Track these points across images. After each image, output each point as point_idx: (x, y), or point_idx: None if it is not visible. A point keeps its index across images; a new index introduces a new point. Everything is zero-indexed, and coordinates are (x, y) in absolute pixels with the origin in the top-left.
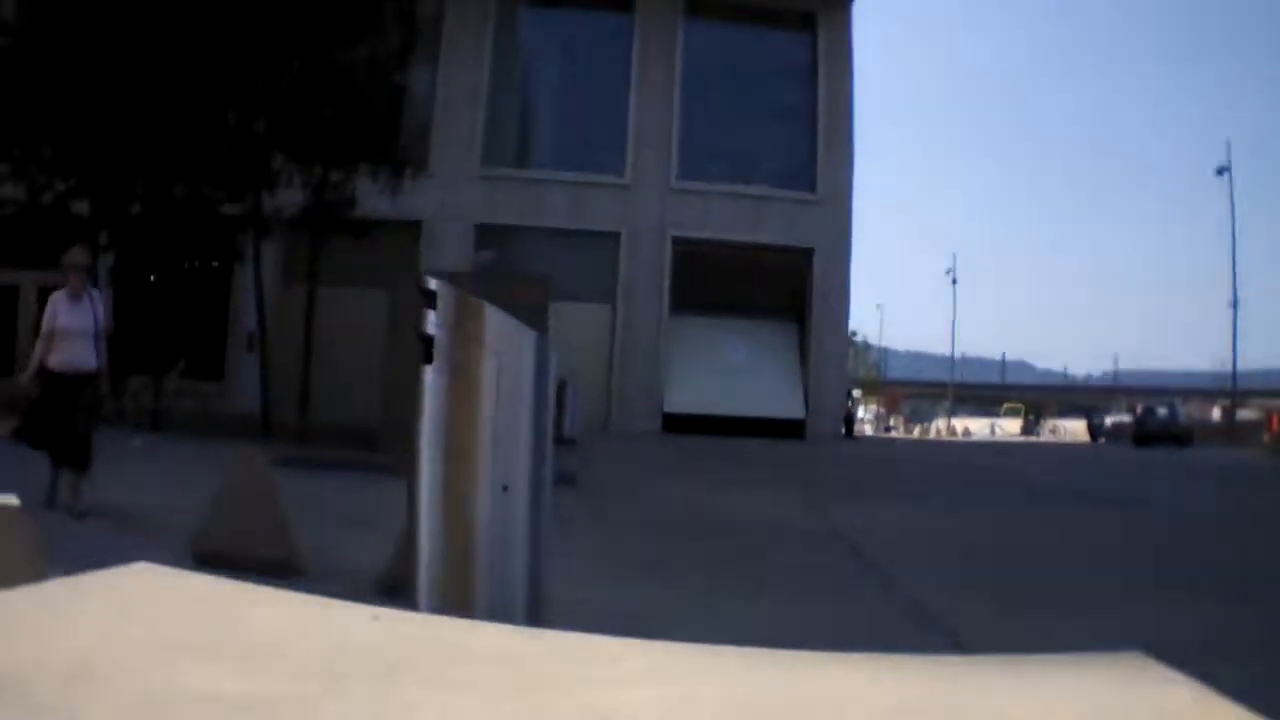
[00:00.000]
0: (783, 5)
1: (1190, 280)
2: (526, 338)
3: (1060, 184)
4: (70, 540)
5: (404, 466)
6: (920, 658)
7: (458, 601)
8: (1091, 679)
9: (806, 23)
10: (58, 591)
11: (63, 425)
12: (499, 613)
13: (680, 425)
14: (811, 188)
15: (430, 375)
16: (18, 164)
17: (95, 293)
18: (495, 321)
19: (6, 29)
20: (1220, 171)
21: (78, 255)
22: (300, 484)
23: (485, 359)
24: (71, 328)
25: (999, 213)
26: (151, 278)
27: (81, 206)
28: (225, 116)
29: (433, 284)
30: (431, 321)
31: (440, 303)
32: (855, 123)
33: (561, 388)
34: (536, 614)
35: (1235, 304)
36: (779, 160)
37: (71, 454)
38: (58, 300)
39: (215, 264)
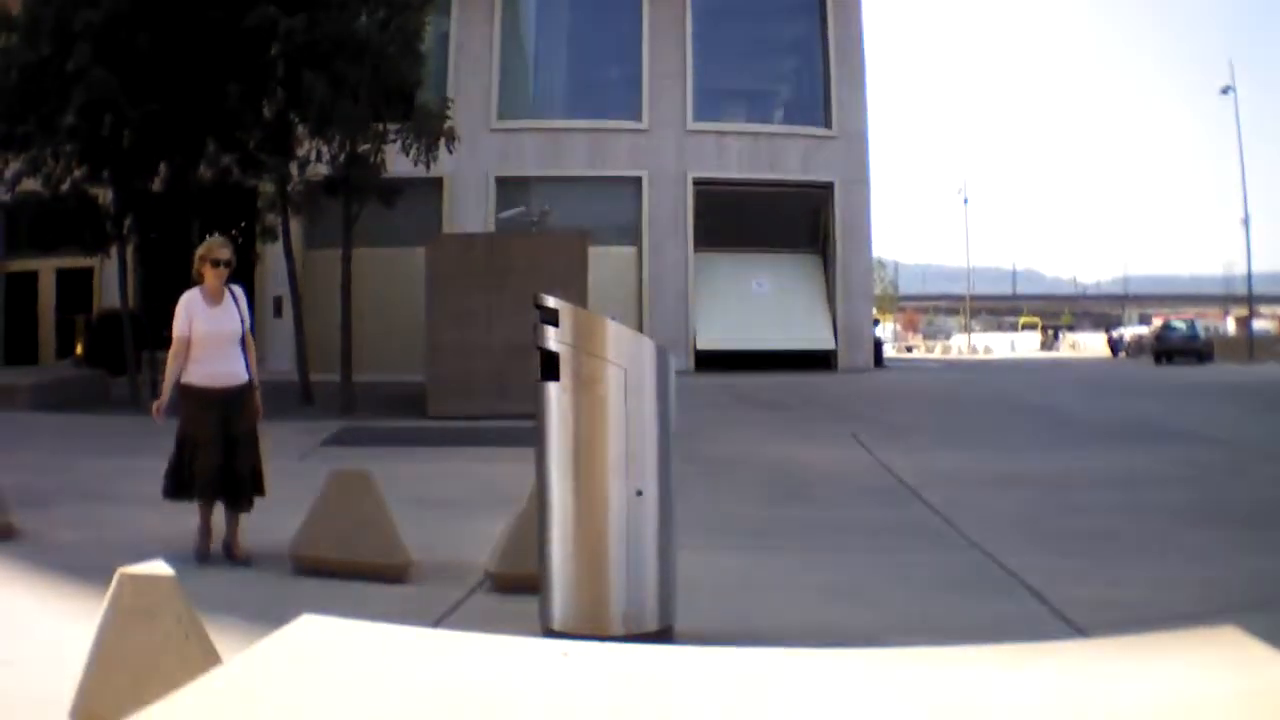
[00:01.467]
0: None
1: (1198, 188)
2: (647, 348)
3: (1070, 94)
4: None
5: (457, 437)
6: (1029, 645)
7: (590, 606)
8: (1191, 658)
9: None
10: (242, 676)
11: (223, 458)
12: (632, 616)
13: (712, 362)
14: (827, 123)
15: (555, 390)
16: (34, 156)
17: (237, 290)
18: (617, 335)
19: (14, 22)
20: (1225, 90)
21: (221, 249)
22: (365, 464)
23: (610, 372)
24: (215, 333)
25: (1007, 130)
26: (177, 254)
27: (98, 191)
28: (245, 88)
29: (552, 302)
30: (553, 338)
31: (562, 320)
32: (866, 54)
33: None
34: (668, 618)
35: (1246, 221)
36: (793, 97)
37: (238, 492)
38: (192, 302)
39: (239, 239)
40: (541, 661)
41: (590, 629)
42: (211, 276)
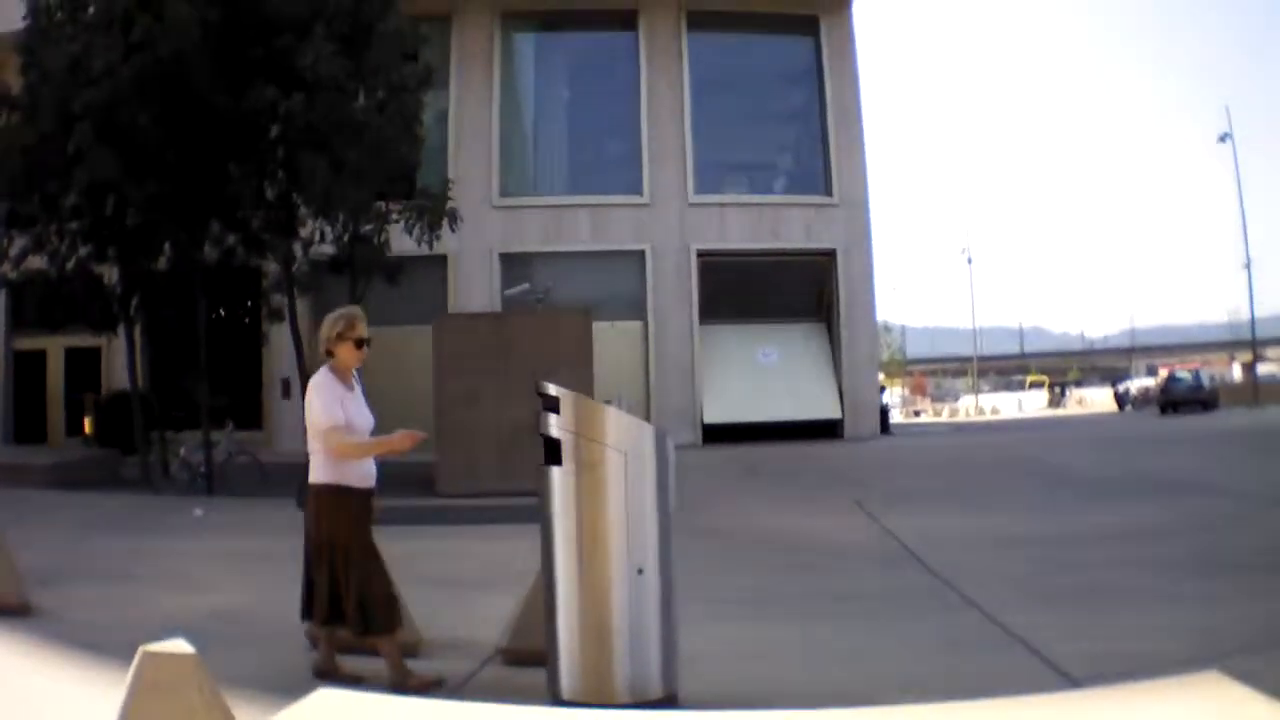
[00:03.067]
0: (782, 10)
1: (1200, 236)
2: (646, 433)
3: (1067, 152)
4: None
5: (464, 516)
6: (1018, 698)
7: (596, 678)
8: (1176, 704)
9: (808, 26)
10: None
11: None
12: (637, 685)
13: (719, 435)
14: (828, 191)
15: (558, 474)
16: (38, 234)
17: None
18: (616, 421)
19: (15, 101)
20: (1222, 138)
21: (364, 324)
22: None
23: (610, 456)
24: (366, 427)
25: (1007, 185)
26: (184, 333)
27: (104, 270)
28: (247, 169)
29: (553, 390)
30: (555, 425)
31: (563, 408)
32: (864, 121)
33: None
34: (671, 686)
35: (1248, 265)
36: (793, 166)
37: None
38: (335, 386)
39: (246, 319)
40: None
41: (597, 698)
42: (354, 358)
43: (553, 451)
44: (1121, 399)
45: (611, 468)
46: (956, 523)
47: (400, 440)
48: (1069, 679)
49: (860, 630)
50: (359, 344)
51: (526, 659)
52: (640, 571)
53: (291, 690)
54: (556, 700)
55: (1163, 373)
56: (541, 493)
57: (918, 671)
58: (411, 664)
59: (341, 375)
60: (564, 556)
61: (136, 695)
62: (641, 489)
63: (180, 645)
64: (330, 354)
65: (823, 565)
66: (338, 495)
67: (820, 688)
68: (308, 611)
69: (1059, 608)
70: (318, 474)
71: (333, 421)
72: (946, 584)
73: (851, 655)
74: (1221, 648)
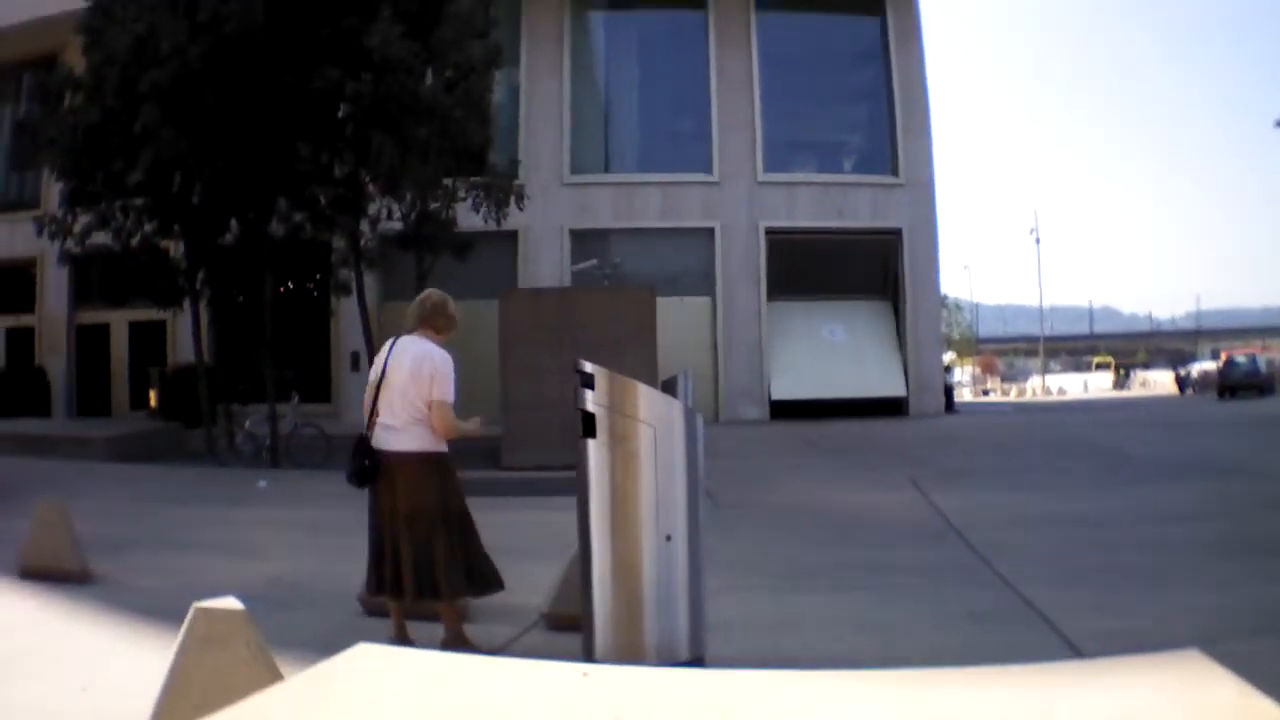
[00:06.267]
0: None
1: (1270, 219)
2: (675, 409)
3: (1141, 132)
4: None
5: (526, 487)
6: (999, 668)
7: (627, 640)
8: (1149, 681)
9: (874, 5)
10: (299, 693)
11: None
12: (665, 647)
13: (786, 411)
14: (894, 170)
15: (593, 446)
16: (103, 210)
17: None
18: (648, 397)
19: (79, 81)
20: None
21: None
22: None
23: (642, 431)
24: None
25: (1080, 164)
26: (251, 307)
27: (169, 245)
28: (315, 148)
29: (589, 367)
30: (590, 400)
31: (597, 384)
32: (930, 101)
33: (671, 383)
34: (698, 649)
35: None
36: (860, 145)
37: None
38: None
39: (314, 293)
40: (563, 680)
41: (628, 660)
42: (445, 336)
43: (588, 425)
44: (1182, 382)
45: (643, 441)
46: (1003, 500)
47: (477, 427)
48: (1076, 652)
49: (891, 602)
50: (449, 320)
51: (567, 623)
52: (669, 539)
53: (338, 649)
54: (590, 661)
55: (1223, 356)
56: (578, 464)
57: (936, 642)
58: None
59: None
60: (598, 524)
61: (188, 647)
62: (671, 461)
63: (231, 602)
64: (439, 331)
65: (867, 539)
66: (446, 462)
67: (837, 655)
68: (388, 586)
69: (1085, 585)
70: (420, 443)
71: (452, 399)
72: (982, 560)
73: (876, 625)
74: (1229, 629)
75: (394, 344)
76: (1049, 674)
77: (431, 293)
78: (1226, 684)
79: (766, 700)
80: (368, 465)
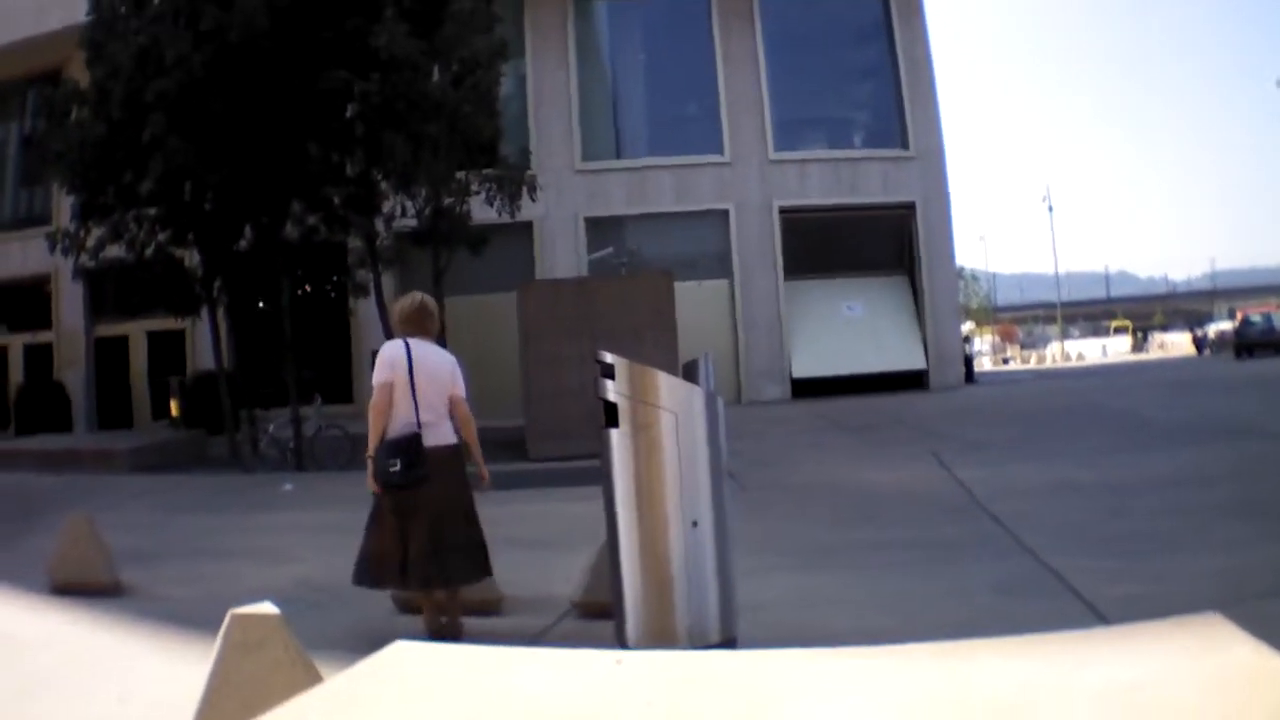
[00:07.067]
0: None
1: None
2: (696, 394)
3: (1150, 97)
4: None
5: (552, 478)
6: (1027, 638)
7: (659, 625)
8: (1166, 642)
9: None
10: (340, 693)
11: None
12: (696, 631)
13: (808, 389)
14: (904, 144)
15: (616, 435)
16: (115, 222)
17: None
18: (668, 384)
19: (84, 95)
20: None
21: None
22: None
23: (664, 418)
24: None
25: (1093, 130)
26: (269, 312)
27: (183, 253)
28: (326, 148)
29: (609, 358)
30: (612, 390)
31: (618, 374)
32: (935, 72)
33: (692, 365)
34: (729, 630)
35: None
36: (868, 120)
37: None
38: None
39: (332, 294)
40: (597, 667)
41: (660, 644)
42: (433, 336)
43: (611, 415)
44: (1200, 343)
45: (664, 428)
46: (1024, 471)
47: None
48: (1102, 619)
49: (917, 576)
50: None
51: (598, 611)
52: (695, 524)
53: (374, 648)
54: (623, 647)
55: (1239, 316)
56: (602, 454)
57: (961, 615)
58: (493, 622)
59: None
60: (624, 513)
61: (226, 653)
62: (693, 447)
63: (266, 607)
64: (429, 332)
65: (891, 515)
66: (460, 453)
67: (865, 631)
68: (417, 580)
69: (1109, 553)
70: (451, 436)
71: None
72: (1007, 531)
73: (902, 601)
74: (1251, 591)
75: (408, 346)
76: (1073, 642)
77: (419, 296)
78: (1245, 645)
79: (798, 679)
80: (406, 464)
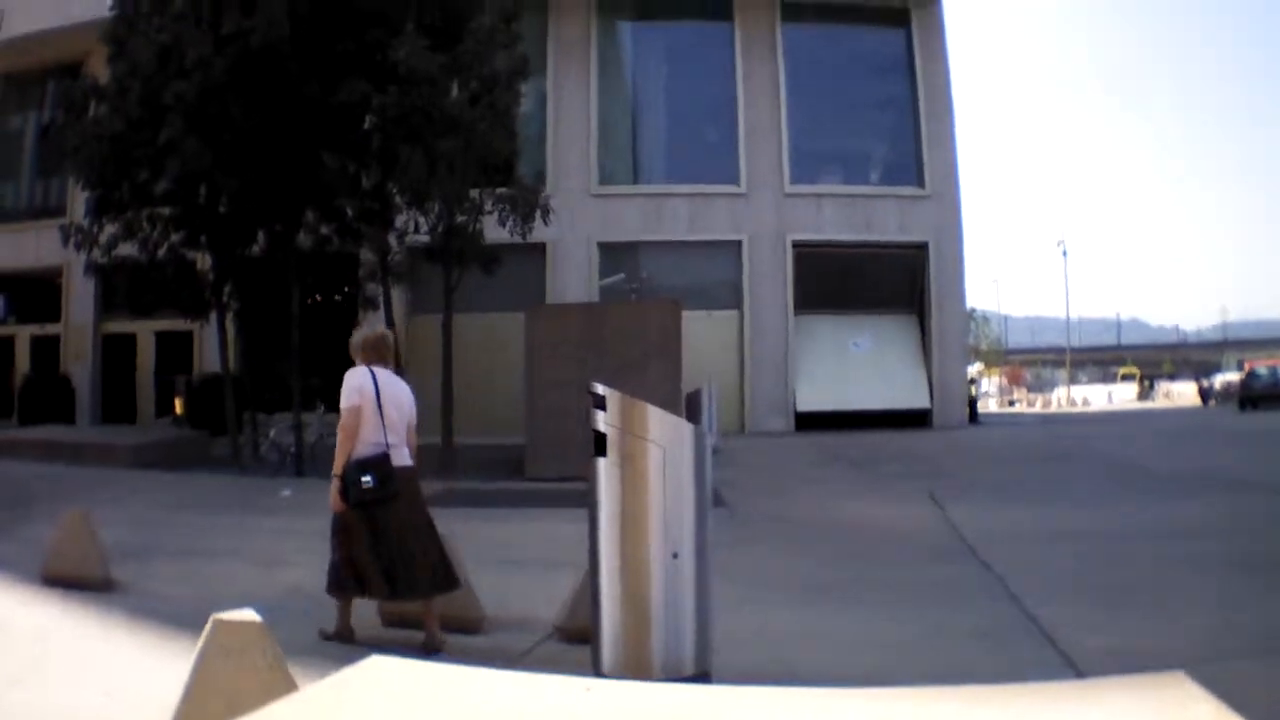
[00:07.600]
0: (874, 2)
1: None
2: (685, 429)
3: (1169, 145)
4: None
5: (547, 499)
6: (987, 688)
7: (634, 654)
8: (1125, 700)
9: (899, 18)
10: (313, 703)
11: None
12: (671, 662)
13: (811, 423)
14: (920, 183)
15: (604, 465)
16: (129, 220)
17: None
18: (657, 418)
19: (103, 91)
20: None
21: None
22: (456, 525)
23: (651, 450)
24: None
25: (1106, 176)
26: (277, 318)
27: (195, 255)
28: (342, 159)
29: (600, 389)
30: (602, 420)
31: (609, 405)
32: (955, 113)
33: (695, 395)
34: (704, 664)
35: None
36: (885, 158)
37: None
38: None
39: (342, 304)
40: (566, 693)
41: (634, 673)
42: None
43: (600, 444)
44: (1205, 393)
45: (652, 460)
46: (1019, 515)
47: None
48: (1076, 671)
49: (898, 619)
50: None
51: (580, 636)
52: (676, 556)
53: (355, 660)
54: (598, 674)
55: (1246, 367)
56: (590, 482)
57: (938, 661)
58: (475, 641)
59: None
60: (607, 541)
61: (206, 657)
62: (679, 480)
63: (248, 614)
64: (389, 362)
65: (881, 554)
66: (416, 475)
67: (842, 670)
68: (401, 589)
69: (1093, 603)
70: (407, 459)
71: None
72: (995, 576)
73: (882, 642)
74: (1231, 648)
75: (373, 374)
76: (1038, 694)
77: (380, 329)
78: (1205, 704)
79: (764, 717)
80: (378, 484)
